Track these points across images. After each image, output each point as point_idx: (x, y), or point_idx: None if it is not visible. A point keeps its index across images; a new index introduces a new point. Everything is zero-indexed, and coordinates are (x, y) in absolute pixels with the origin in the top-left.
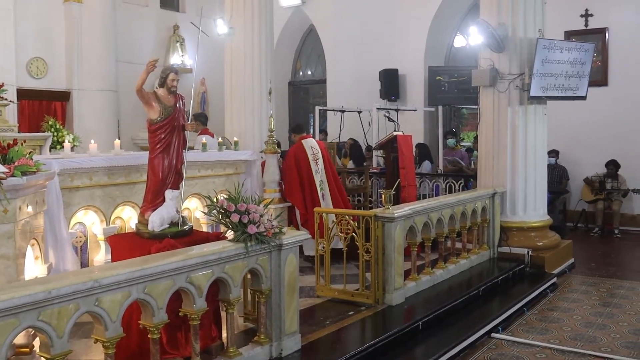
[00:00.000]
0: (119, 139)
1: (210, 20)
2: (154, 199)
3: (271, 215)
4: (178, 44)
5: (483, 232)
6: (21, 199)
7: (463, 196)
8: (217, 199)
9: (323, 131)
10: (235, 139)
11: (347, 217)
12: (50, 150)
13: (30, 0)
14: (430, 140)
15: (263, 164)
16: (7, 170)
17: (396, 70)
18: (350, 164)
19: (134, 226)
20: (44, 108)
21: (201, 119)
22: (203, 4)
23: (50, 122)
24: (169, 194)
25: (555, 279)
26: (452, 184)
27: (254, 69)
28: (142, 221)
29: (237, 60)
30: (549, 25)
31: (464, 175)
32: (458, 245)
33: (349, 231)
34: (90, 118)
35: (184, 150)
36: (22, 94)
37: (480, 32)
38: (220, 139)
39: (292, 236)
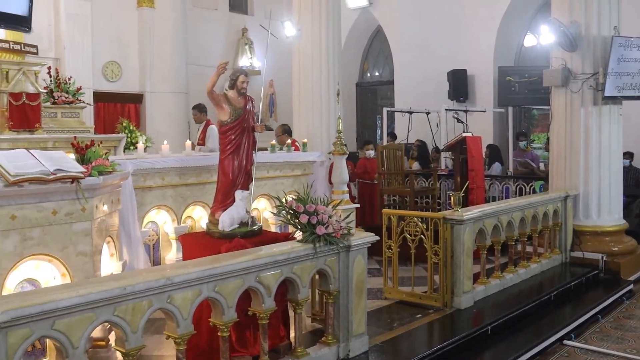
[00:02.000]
0: (189, 140)
1: (279, 22)
2: (224, 200)
3: (340, 216)
4: (247, 47)
5: (555, 236)
6: (98, 198)
7: (534, 199)
8: (286, 200)
9: (391, 134)
10: (304, 140)
11: (415, 219)
12: (124, 151)
13: (105, 7)
14: (500, 142)
15: (331, 166)
16: (85, 170)
17: (465, 71)
18: (416, 166)
19: (204, 226)
20: (118, 110)
21: (200, 107)
22: (271, 7)
23: (124, 124)
24: (238, 194)
25: (631, 286)
26: (523, 186)
27: (321, 71)
28: (213, 221)
29: (305, 61)
30: (624, 22)
31: (534, 177)
32: (529, 249)
33: (417, 233)
34: (161, 119)
35: (253, 151)
36: (98, 96)
37: (551, 30)
38: (289, 140)
39: (361, 237)
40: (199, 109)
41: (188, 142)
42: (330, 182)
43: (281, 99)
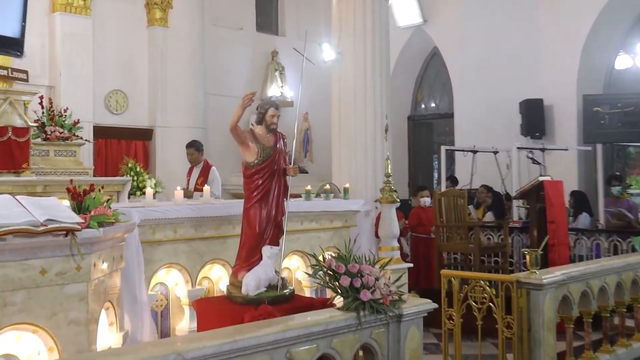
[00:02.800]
0: (207, 184)
1: (315, 44)
2: (249, 257)
3: (389, 278)
4: (277, 73)
5: None
6: (96, 254)
7: (633, 259)
8: (324, 258)
9: (451, 178)
10: (345, 185)
11: (482, 282)
12: (129, 197)
13: (109, 25)
14: (587, 188)
15: (378, 217)
16: (82, 221)
17: (541, 101)
18: (489, 217)
19: (224, 289)
20: (123, 148)
21: (197, 146)
22: (306, 26)
23: (129, 165)
24: (266, 251)
25: None
26: (618, 243)
27: (366, 102)
28: (235, 283)
29: (346, 91)
30: None
31: (633, 231)
32: (629, 322)
33: (484, 300)
34: (175, 160)
35: (284, 199)
36: (99, 132)
37: None
38: (327, 186)
39: (415, 305)
40: (196, 147)
41: (206, 188)
42: (377, 236)
43: (318, 136)
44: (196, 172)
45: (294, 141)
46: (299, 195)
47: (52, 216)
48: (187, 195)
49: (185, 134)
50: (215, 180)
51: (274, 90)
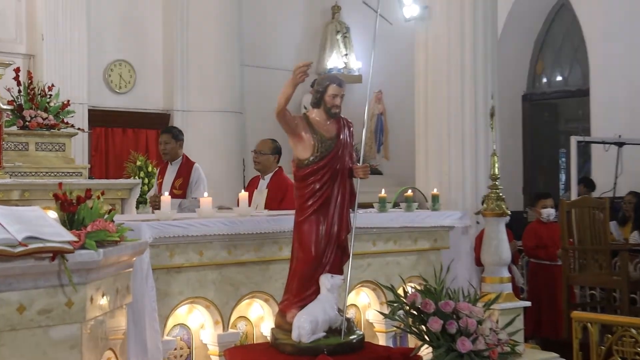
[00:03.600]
0: (245, 189)
1: None
2: (302, 290)
3: (496, 322)
4: (339, 37)
5: None
6: (94, 284)
7: None
8: (405, 292)
9: (585, 180)
10: (434, 191)
11: (633, 330)
12: (137, 206)
13: None
14: None
15: (481, 235)
16: (75, 239)
17: None
18: (635, 237)
19: (267, 333)
20: (129, 140)
21: (175, 133)
22: None
23: (138, 162)
24: (326, 281)
25: None
26: None
27: (464, 75)
28: (283, 325)
29: (436, 61)
30: None
31: None
32: None
33: (637, 358)
34: (201, 155)
35: (350, 210)
36: (97, 117)
37: None
38: (409, 192)
39: None
40: (174, 135)
41: (243, 194)
42: (478, 262)
43: (396, 123)
44: (172, 170)
45: (364, 130)
46: (369, 205)
47: (34, 233)
48: (155, 204)
49: (215, 120)
50: (200, 183)
51: (335, 61)
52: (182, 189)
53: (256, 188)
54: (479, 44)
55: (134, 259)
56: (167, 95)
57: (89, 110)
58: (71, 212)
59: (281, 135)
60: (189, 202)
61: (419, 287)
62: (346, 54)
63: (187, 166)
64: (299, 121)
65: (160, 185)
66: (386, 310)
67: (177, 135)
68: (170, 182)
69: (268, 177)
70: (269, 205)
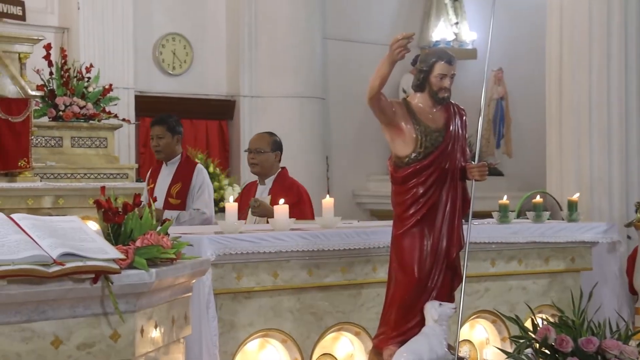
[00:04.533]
0: (329, 193)
1: None
2: (402, 321)
3: None
4: (448, 1)
5: None
6: (145, 312)
7: None
8: (534, 325)
9: None
10: (572, 197)
11: None
12: None
13: None
14: None
15: (634, 254)
16: (122, 257)
17: None
18: None
19: None
20: (185, 133)
21: (171, 125)
22: None
23: (197, 160)
24: (433, 310)
25: None
26: None
27: (609, 50)
28: None
29: (573, 31)
30: None
31: None
32: None
33: None
34: (284, 151)
35: (463, 221)
36: (145, 105)
37: None
38: (538, 198)
39: None
40: (170, 126)
41: (328, 200)
42: (631, 288)
43: (520, 110)
44: (167, 172)
45: (480, 119)
46: (487, 215)
47: (72, 248)
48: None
49: (290, 108)
50: (205, 190)
51: (442, 32)
52: (180, 198)
53: (253, 197)
54: (629, 12)
55: (193, 281)
56: (232, 78)
57: (136, 97)
58: (116, 223)
59: (373, 127)
60: (190, 215)
61: (551, 319)
62: (457, 23)
63: (187, 168)
64: (398, 108)
65: (151, 192)
66: (509, 348)
67: (173, 128)
68: (166, 188)
69: (270, 181)
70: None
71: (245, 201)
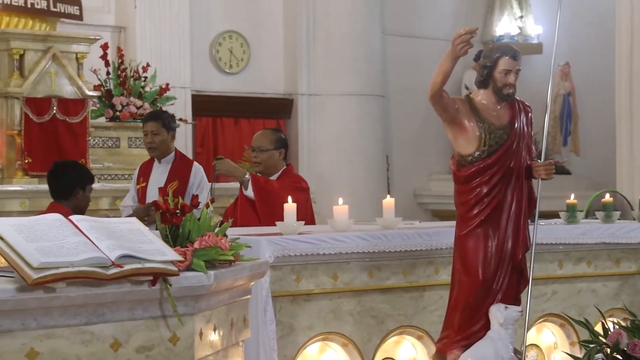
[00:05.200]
0: (389, 193)
1: None
2: (466, 324)
3: None
4: None
5: None
6: (203, 315)
7: None
8: (605, 329)
9: None
10: None
11: None
12: None
13: None
14: None
15: None
16: (180, 259)
17: None
18: None
19: None
20: (242, 132)
21: (166, 121)
22: None
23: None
24: (499, 313)
25: None
26: None
27: None
28: None
29: None
30: None
31: None
32: None
33: None
34: (330, 151)
35: (529, 222)
36: (202, 104)
37: None
38: (607, 197)
39: None
40: (164, 122)
41: (388, 200)
42: None
43: (588, 106)
44: (161, 171)
45: (546, 116)
46: (555, 215)
47: (130, 250)
48: (140, 214)
49: (349, 106)
50: (204, 189)
51: (506, 26)
52: (177, 197)
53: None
54: None
55: (252, 283)
56: (289, 75)
57: (193, 96)
58: (174, 224)
59: (435, 125)
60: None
61: (623, 323)
62: (521, 17)
63: (183, 165)
64: (460, 105)
65: (142, 191)
66: (579, 353)
67: (168, 124)
68: (160, 185)
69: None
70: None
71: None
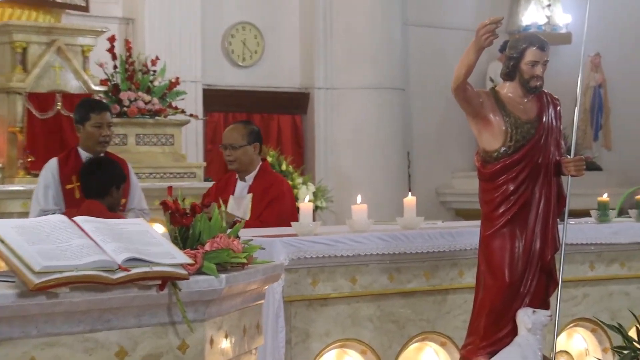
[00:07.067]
0: (410, 192)
1: None
2: (491, 329)
3: None
4: None
5: None
6: (214, 321)
7: None
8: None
9: None
10: None
11: None
12: None
13: None
14: None
15: None
16: (190, 262)
17: None
18: None
19: None
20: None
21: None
22: None
23: (269, 158)
24: (526, 318)
25: None
26: None
27: None
28: None
29: None
30: None
31: None
32: None
33: None
34: (348, 146)
35: (558, 221)
36: (214, 99)
37: None
38: None
39: None
40: (111, 113)
41: (410, 199)
42: None
43: (620, 98)
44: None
45: (576, 110)
46: (585, 213)
47: (137, 253)
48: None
49: (370, 99)
50: (135, 188)
51: (533, 15)
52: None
53: (232, 194)
54: None
55: (265, 287)
56: (305, 68)
57: (204, 90)
58: (184, 225)
59: (458, 120)
60: (135, 214)
61: None
62: (549, 5)
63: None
64: (485, 99)
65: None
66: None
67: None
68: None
69: (251, 177)
70: (259, 216)
71: (223, 198)
